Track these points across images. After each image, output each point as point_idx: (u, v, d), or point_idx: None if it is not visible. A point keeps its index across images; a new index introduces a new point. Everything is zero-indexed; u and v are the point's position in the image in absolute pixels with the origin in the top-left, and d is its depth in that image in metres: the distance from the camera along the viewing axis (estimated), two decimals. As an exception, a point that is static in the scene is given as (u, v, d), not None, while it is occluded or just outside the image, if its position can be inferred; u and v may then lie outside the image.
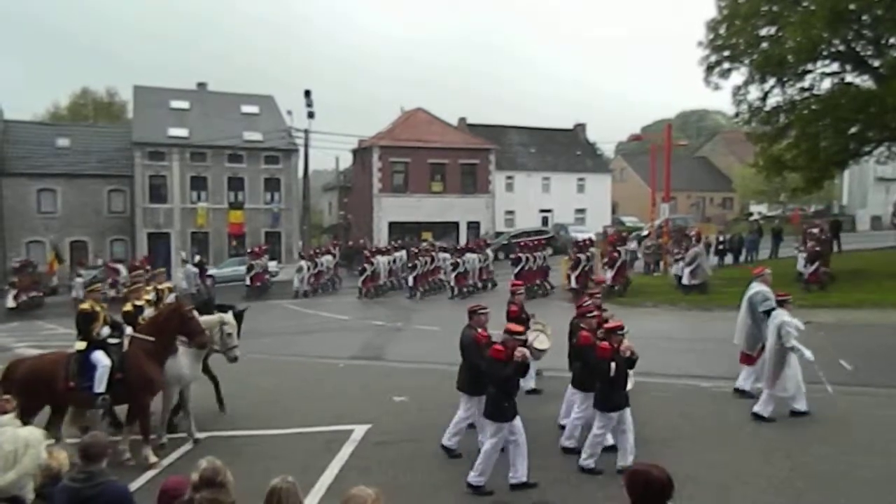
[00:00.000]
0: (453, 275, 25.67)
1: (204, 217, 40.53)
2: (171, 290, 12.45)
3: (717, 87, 24.95)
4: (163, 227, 40.14)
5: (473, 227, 45.33)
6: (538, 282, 23.69)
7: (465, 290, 25.36)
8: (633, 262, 28.42)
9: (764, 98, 24.12)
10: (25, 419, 7.97)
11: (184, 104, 43.07)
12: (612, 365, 7.38)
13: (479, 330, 8.23)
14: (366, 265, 28.02)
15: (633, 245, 30.10)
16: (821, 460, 7.72)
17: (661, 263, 27.54)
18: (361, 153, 47.13)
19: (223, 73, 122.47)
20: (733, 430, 8.84)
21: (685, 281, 21.83)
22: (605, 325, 7.89)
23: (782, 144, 24.26)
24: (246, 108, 44.34)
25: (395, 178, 44.72)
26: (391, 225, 43.73)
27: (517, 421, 7.15)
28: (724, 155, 63.91)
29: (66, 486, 4.33)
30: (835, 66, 23.44)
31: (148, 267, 31.15)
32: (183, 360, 8.97)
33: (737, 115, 25.69)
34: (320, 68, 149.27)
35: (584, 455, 7.58)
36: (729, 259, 29.86)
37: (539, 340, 9.47)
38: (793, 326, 9.07)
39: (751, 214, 51.67)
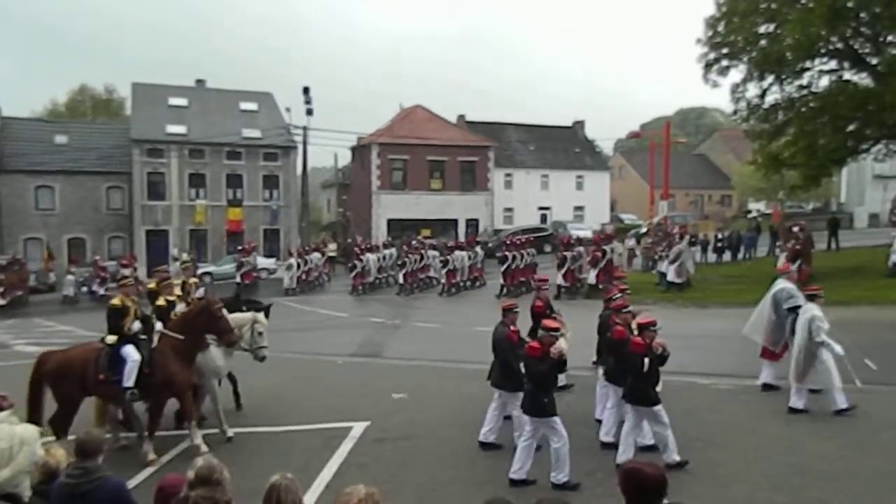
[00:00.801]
0: (443, 272, 25.90)
1: (202, 214, 40.51)
2: (198, 284, 12.46)
3: (715, 85, 24.99)
4: (161, 224, 40.09)
5: (472, 224, 45.34)
6: (523, 279, 23.98)
7: (454, 287, 25.59)
8: (631, 260, 28.48)
9: (762, 95, 24.14)
10: (63, 411, 8.23)
11: (182, 101, 43.00)
12: (646, 360, 7.39)
13: (512, 327, 8.32)
14: (356, 262, 28.26)
15: (631, 242, 30.16)
16: (820, 458, 7.73)
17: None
18: (360, 150, 47.10)
19: (222, 71, 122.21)
20: (732, 427, 8.85)
21: (669, 278, 22.00)
22: (639, 321, 7.88)
23: (781, 142, 24.30)
24: (245, 105, 44.27)
25: (393, 175, 44.71)
26: (390, 222, 43.73)
27: (558, 421, 7.15)
28: (723, 152, 63.92)
29: (62, 483, 4.33)
30: (833, 64, 23.44)
31: (136, 265, 31.43)
32: (216, 353, 9.14)
33: (735, 112, 25.70)
34: (319, 66, 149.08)
35: (620, 450, 7.58)
36: (727, 256, 29.91)
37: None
38: (823, 321, 9.07)
39: (749, 212, 51.73)
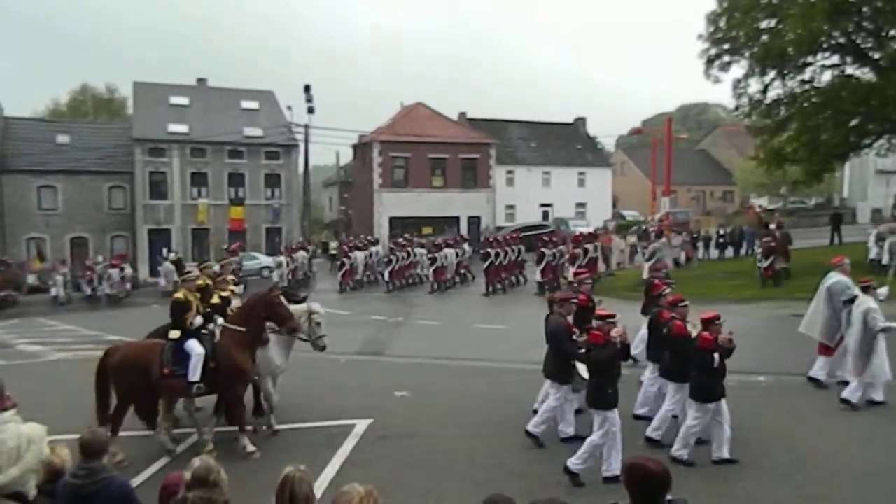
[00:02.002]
0: (431, 270, 26.11)
1: (204, 213, 40.52)
2: (235, 281, 12.44)
3: (717, 81, 24.94)
4: (163, 223, 40.12)
5: (474, 221, 45.31)
6: (503, 276, 24.65)
7: (443, 284, 25.88)
8: (633, 257, 28.47)
9: (764, 91, 24.08)
10: (123, 406, 8.33)
11: (184, 100, 42.98)
12: (715, 356, 7.31)
13: (569, 318, 8.34)
14: (343, 260, 28.48)
15: (633, 239, 30.18)
16: (822, 453, 7.73)
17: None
18: (362, 148, 47.07)
19: (222, 70, 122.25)
20: (737, 422, 8.84)
21: (645, 276, 22.15)
22: (702, 316, 7.75)
23: (783, 137, 24.23)
24: (246, 104, 44.25)
25: (395, 173, 44.67)
26: (392, 220, 43.72)
27: (616, 417, 7.14)
28: (725, 148, 63.79)
29: (67, 483, 4.34)
30: (835, 59, 23.38)
31: (124, 265, 31.54)
32: (274, 350, 9.14)
33: (737, 108, 25.64)
34: (320, 64, 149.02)
35: (676, 446, 7.52)
36: (730, 252, 29.88)
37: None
38: (878, 313, 9.05)
39: (751, 208, 51.61)
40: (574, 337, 8.13)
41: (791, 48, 21.77)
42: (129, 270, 33.54)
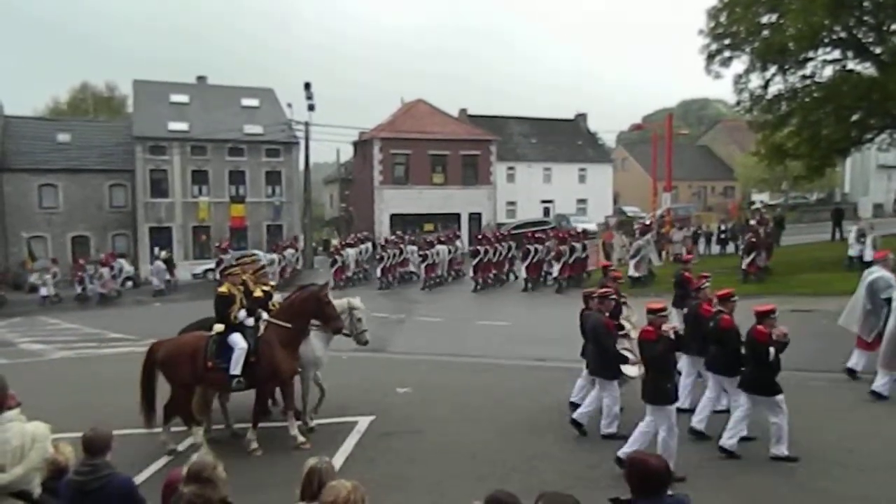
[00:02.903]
0: (422, 266, 26.34)
1: (205, 211, 40.52)
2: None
3: (718, 76, 24.93)
4: (164, 221, 40.12)
5: (475, 218, 45.31)
6: (494, 273, 25.17)
7: (432, 280, 26.12)
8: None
9: (765, 86, 24.06)
10: (182, 394, 8.37)
11: (184, 98, 42.95)
12: (771, 349, 7.22)
13: (607, 314, 8.34)
14: (336, 257, 28.73)
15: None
16: (824, 447, 7.73)
17: (664, 253, 27.53)
18: (362, 145, 47.06)
19: (222, 68, 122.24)
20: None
21: (630, 273, 22.27)
22: (756, 308, 7.58)
23: (784, 132, 24.19)
24: (246, 102, 44.21)
25: (396, 170, 44.66)
26: (393, 217, 43.73)
27: (674, 411, 7.10)
28: (726, 143, 63.73)
29: (71, 480, 4.37)
30: (836, 54, 23.35)
31: (112, 264, 31.57)
32: (316, 343, 9.15)
33: (738, 103, 25.63)
34: (319, 62, 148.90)
35: (726, 435, 7.45)
36: (731, 248, 29.84)
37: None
38: None
39: (752, 203, 51.58)
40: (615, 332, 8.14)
41: (792, 43, 21.72)
42: (129, 268, 33.64)
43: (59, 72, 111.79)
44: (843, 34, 22.33)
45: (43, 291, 30.84)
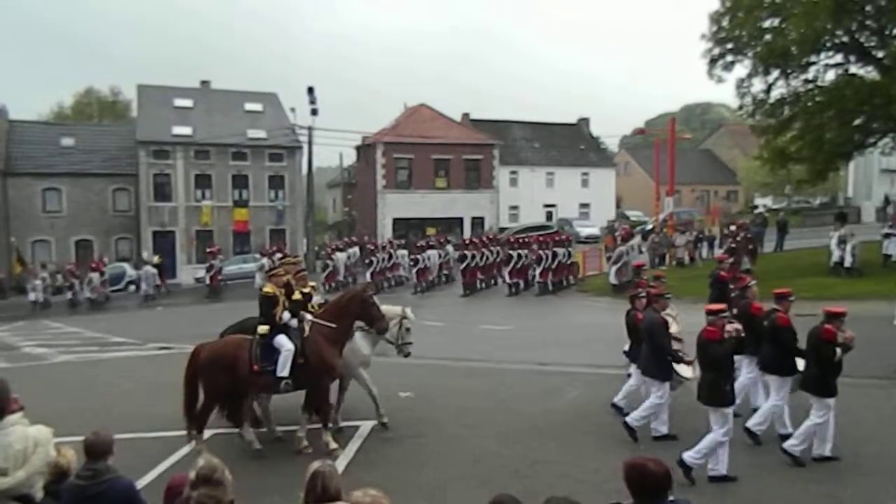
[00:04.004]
0: (414, 271, 26.56)
1: (209, 215, 40.63)
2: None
3: (720, 80, 24.84)
4: (168, 225, 40.23)
5: (478, 222, 45.33)
6: (480, 277, 25.44)
7: (423, 284, 26.34)
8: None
9: (768, 90, 24.00)
10: (210, 404, 8.25)
11: (187, 102, 43.11)
12: (837, 350, 7.13)
13: (663, 314, 8.30)
14: (327, 261, 29.01)
15: (637, 239, 30.09)
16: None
17: (667, 257, 27.51)
18: (365, 150, 47.15)
19: (226, 72, 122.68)
20: (738, 421, 8.81)
21: (610, 280, 22.23)
22: (826, 309, 7.52)
23: (787, 136, 24.14)
24: (249, 106, 44.35)
25: (398, 174, 44.73)
26: (395, 221, 43.77)
27: (731, 413, 7.06)
28: (729, 148, 63.70)
29: (72, 484, 4.36)
30: (839, 58, 23.29)
31: (103, 269, 31.68)
32: (362, 342, 9.13)
33: (741, 107, 25.54)
34: (323, 67, 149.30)
35: (794, 441, 7.34)
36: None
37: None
38: None
39: (756, 207, 51.51)
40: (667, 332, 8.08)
41: (794, 47, 21.69)
42: (131, 272, 33.80)
43: (64, 76, 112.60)
44: (845, 38, 22.30)
45: (31, 297, 30.69)
